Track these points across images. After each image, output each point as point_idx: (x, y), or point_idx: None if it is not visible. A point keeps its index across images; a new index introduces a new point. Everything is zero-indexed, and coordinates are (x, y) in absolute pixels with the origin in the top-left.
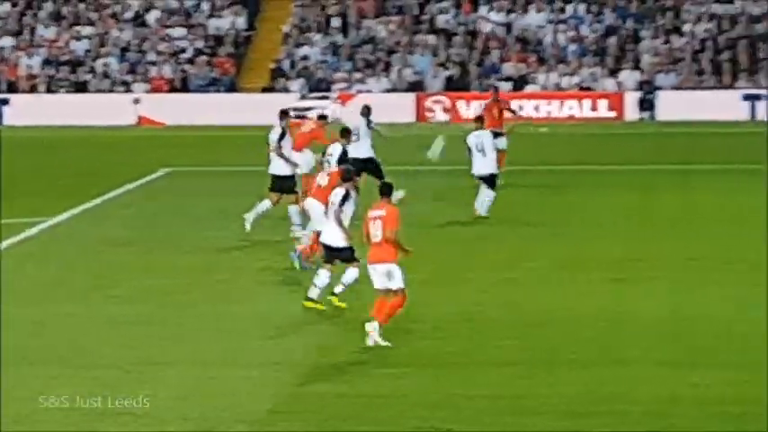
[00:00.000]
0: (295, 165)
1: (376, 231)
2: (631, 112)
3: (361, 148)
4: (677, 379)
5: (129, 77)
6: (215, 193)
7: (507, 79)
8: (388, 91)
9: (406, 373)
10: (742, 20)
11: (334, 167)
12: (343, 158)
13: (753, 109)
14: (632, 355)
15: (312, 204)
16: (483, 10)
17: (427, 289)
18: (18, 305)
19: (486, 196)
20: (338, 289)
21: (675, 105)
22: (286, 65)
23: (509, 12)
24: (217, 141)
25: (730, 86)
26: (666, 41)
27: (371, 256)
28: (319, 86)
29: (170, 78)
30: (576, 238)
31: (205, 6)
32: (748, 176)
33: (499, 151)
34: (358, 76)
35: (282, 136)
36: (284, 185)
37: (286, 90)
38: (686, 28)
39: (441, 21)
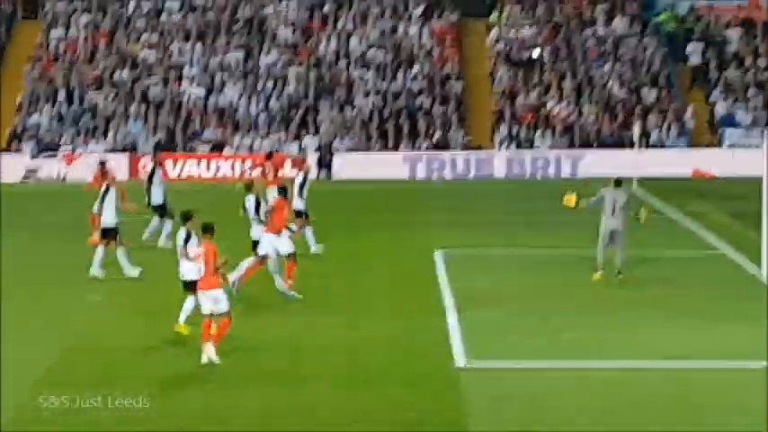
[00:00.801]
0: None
1: (200, 266)
2: (312, 170)
3: (156, 195)
4: (357, 394)
5: None
6: None
7: (208, 142)
8: (107, 151)
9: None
10: (403, 94)
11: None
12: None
13: (412, 169)
14: (313, 375)
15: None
16: (186, 84)
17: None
18: None
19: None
20: (182, 317)
21: (348, 165)
22: (20, 129)
23: (208, 86)
24: None
25: (394, 149)
26: (341, 111)
27: (201, 285)
28: (49, 147)
29: None
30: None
31: None
32: (406, 227)
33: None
34: (81, 139)
35: (106, 193)
36: (109, 235)
37: (19, 151)
38: (357, 101)
39: (151, 93)
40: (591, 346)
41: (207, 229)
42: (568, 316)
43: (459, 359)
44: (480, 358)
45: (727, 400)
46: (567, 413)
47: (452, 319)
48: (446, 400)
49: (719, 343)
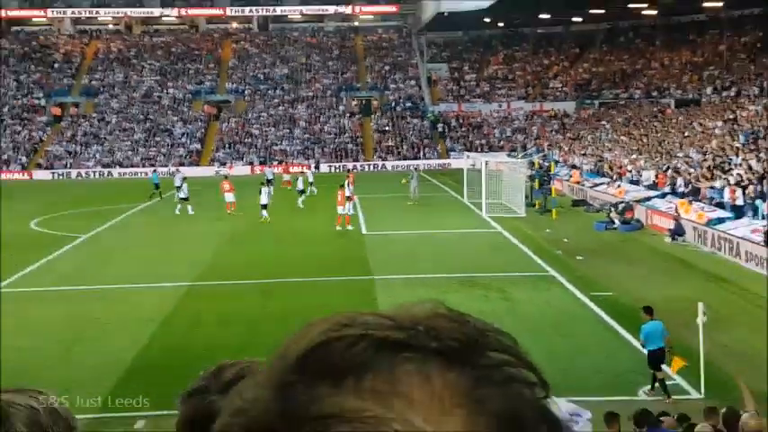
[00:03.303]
0: None
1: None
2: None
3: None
4: (309, 250)
5: None
6: None
7: None
8: None
9: None
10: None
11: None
12: None
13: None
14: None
15: None
16: None
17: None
18: None
19: None
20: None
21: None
22: None
23: None
24: None
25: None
26: None
27: (338, 202)
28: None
29: None
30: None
31: None
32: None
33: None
34: None
35: None
36: None
37: None
38: None
39: None
40: (409, 225)
41: (341, 187)
42: (402, 214)
43: (364, 230)
44: (373, 230)
45: (431, 247)
46: (406, 254)
47: (362, 218)
48: (359, 248)
49: (452, 222)
